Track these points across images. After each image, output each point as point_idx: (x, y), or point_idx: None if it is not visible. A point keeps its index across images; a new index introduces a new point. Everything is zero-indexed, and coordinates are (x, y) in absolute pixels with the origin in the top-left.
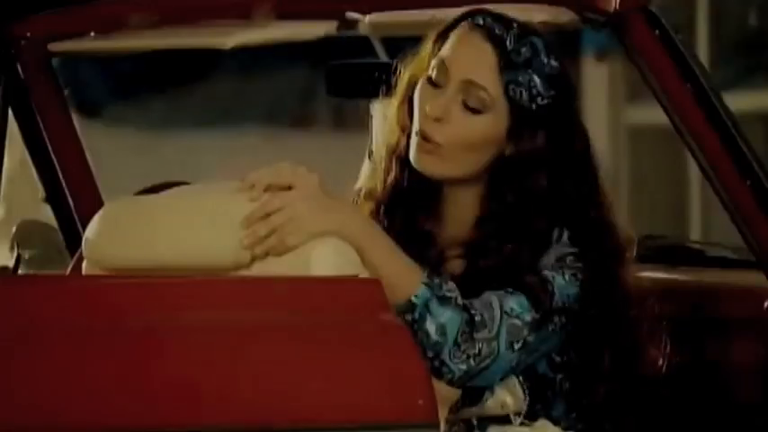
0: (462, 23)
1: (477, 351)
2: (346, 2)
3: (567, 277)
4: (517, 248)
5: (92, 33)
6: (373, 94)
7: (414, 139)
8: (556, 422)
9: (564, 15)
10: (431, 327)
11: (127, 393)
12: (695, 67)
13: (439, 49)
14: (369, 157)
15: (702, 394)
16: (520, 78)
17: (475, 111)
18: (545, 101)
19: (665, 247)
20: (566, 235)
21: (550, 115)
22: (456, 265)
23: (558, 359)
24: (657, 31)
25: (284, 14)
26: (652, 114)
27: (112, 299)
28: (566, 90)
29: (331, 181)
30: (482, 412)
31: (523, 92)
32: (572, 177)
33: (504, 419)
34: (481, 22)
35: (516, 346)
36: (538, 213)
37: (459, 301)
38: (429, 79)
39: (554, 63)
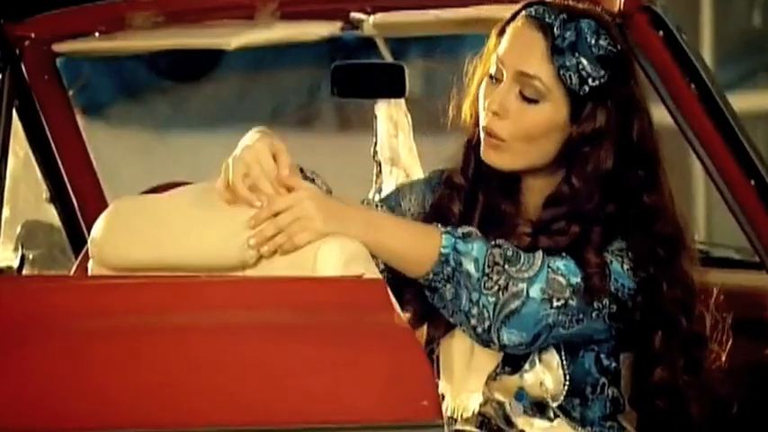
0: (518, 16)
1: (504, 284)
2: (350, 2)
3: (625, 267)
4: (583, 231)
5: (96, 33)
6: (378, 95)
7: (481, 136)
8: (588, 424)
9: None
10: (469, 265)
11: (129, 393)
12: (699, 68)
13: (498, 45)
14: (373, 158)
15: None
16: (568, 63)
17: (531, 101)
18: (596, 82)
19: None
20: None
21: (606, 95)
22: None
23: (606, 362)
24: (661, 32)
25: (288, 15)
26: (656, 115)
27: (116, 299)
28: (620, 69)
29: (335, 181)
30: (520, 383)
31: (573, 75)
32: (632, 160)
33: (538, 406)
34: (533, 12)
35: (555, 303)
36: (605, 197)
37: (479, 233)
38: (490, 76)
39: (603, 43)
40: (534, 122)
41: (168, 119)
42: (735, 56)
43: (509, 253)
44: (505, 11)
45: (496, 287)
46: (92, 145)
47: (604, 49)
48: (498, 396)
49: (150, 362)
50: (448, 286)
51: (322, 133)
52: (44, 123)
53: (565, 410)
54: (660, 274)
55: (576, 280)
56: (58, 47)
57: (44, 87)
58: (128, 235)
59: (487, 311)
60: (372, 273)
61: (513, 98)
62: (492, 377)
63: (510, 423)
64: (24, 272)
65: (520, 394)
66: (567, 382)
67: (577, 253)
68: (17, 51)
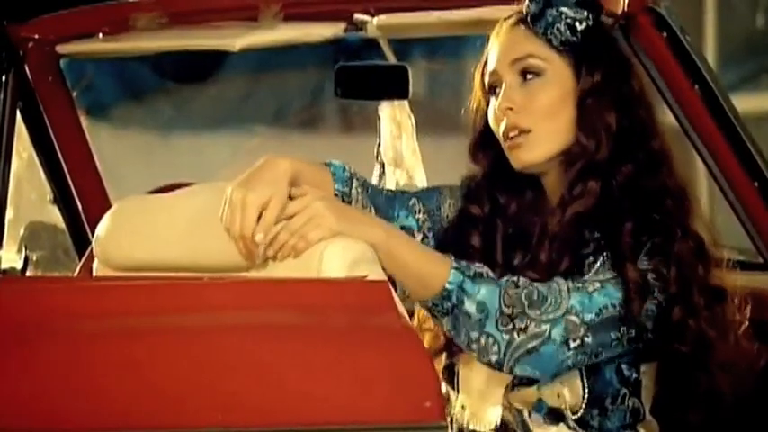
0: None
1: (523, 326)
2: (354, 3)
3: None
4: (606, 204)
5: (99, 35)
6: (381, 96)
7: (505, 149)
8: None
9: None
10: (470, 307)
11: (133, 394)
12: (702, 69)
13: (482, 75)
14: (377, 159)
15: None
16: (550, 19)
17: (535, 77)
18: (584, 24)
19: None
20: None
21: (599, 37)
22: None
23: (627, 372)
24: (665, 33)
25: (292, 16)
26: (659, 116)
27: (119, 300)
28: (596, 6)
29: None
30: (538, 394)
31: (560, 27)
32: (634, 109)
33: (556, 416)
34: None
35: (572, 344)
36: (614, 149)
37: (491, 274)
38: (491, 91)
39: None
40: (547, 96)
41: (172, 120)
42: (738, 57)
43: (534, 296)
44: (508, 12)
45: (511, 325)
46: (95, 146)
47: None
48: (517, 404)
49: (155, 363)
50: (445, 319)
51: (325, 134)
52: (48, 124)
53: (583, 421)
54: (672, 226)
55: (591, 316)
56: (62, 48)
57: (48, 88)
58: (132, 235)
59: (498, 346)
60: (377, 274)
61: (517, 88)
62: (510, 388)
63: (527, 430)
64: (28, 273)
65: (539, 405)
66: (587, 394)
67: (616, 265)
68: (21, 52)
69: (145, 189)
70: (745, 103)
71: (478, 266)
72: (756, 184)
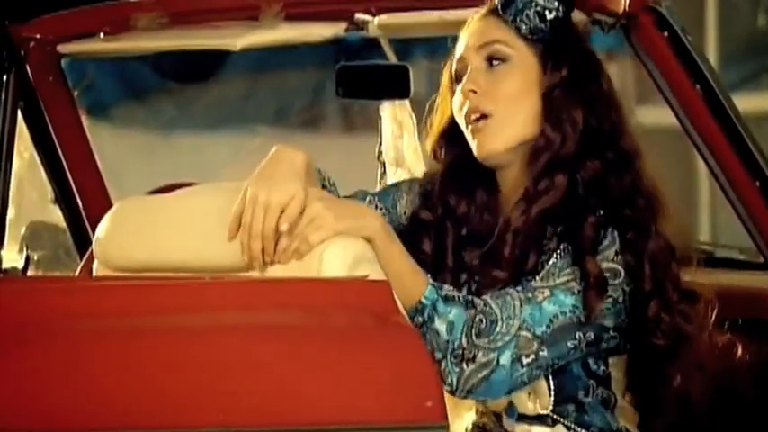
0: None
1: (471, 356)
2: (355, 3)
3: (618, 283)
4: (571, 199)
5: (101, 34)
6: (382, 96)
7: (467, 134)
8: (587, 425)
9: (573, 17)
10: (441, 326)
11: (135, 394)
12: (704, 69)
13: (450, 69)
14: (378, 158)
15: (706, 395)
16: (520, 5)
17: (501, 62)
18: (553, 13)
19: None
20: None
21: (568, 32)
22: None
23: (593, 366)
24: (666, 33)
25: (293, 16)
26: (661, 116)
27: (120, 300)
28: (569, 1)
29: (340, 182)
30: (508, 399)
31: (529, 13)
32: (602, 108)
33: (531, 418)
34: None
35: (525, 360)
36: (581, 146)
37: (462, 298)
38: (457, 79)
39: None
40: (511, 83)
41: (173, 120)
42: (739, 57)
43: (482, 324)
44: None
45: (460, 357)
46: (96, 146)
47: None
48: (492, 408)
49: (155, 363)
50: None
51: (327, 134)
52: (49, 124)
53: (562, 416)
54: (645, 223)
55: (542, 329)
56: (63, 48)
57: (49, 88)
58: (132, 236)
59: (451, 377)
60: (377, 274)
61: (483, 72)
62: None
63: None
64: (29, 273)
65: (511, 410)
66: (554, 394)
67: (577, 259)
68: (22, 52)
69: (146, 189)
70: (746, 102)
71: (450, 290)
72: (757, 183)
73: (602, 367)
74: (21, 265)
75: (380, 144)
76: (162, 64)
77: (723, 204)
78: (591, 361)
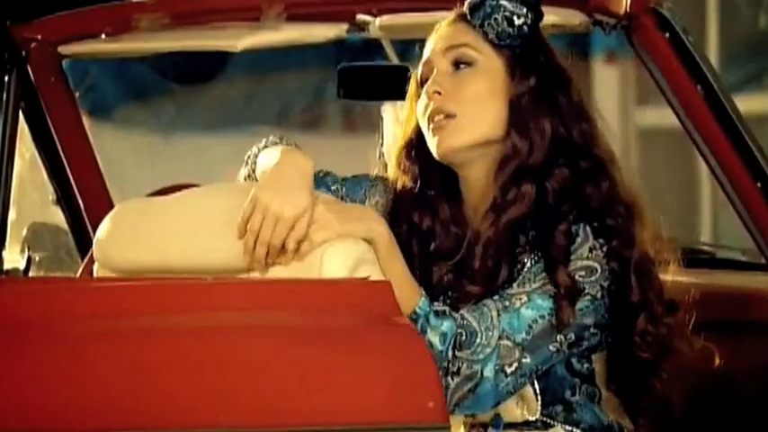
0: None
1: (455, 369)
2: (356, 4)
3: (595, 292)
4: (542, 207)
5: (102, 35)
6: (384, 97)
7: (428, 135)
8: (577, 423)
9: (575, 18)
10: (434, 337)
11: (136, 395)
12: (705, 69)
13: (417, 80)
14: (379, 159)
15: (708, 396)
16: (488, 10)
17: (466, 64)
18: (522, 19)
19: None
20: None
21: (536, 42)
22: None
23: (577, 366)
24: (668, 34)
25: (294, 17)
26: (662, 116)
27: (122, 301)
28: (538, 10)
29: None
30: (494, 410)
31: (498, 18)
32: (572, 117)
33: (518, 426)
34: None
35: (509, 370)
36: (551, 155)
37: (449, 312)
38: (421, 83)
39: None
40: (476, 86)
41: (174, 121)
42: (740, 58)
43: (462, 336)
44: None
45: (446, 370)
46: (98, 147)
47: None
48: (480, 420)
49: (155, 363)
50: None
51: (328, 135)
52: (50, 125)
53: (551, 418)
54: (628, 231)
55: (522, 336)
56: (65, 49)
57: (50, 89)
58: (132, 237)
59: None
60: (378, 276)
61: (448, 75)
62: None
63: None
64: (31, 274)
65: (496, 421)
66: (540, 396)
67: (548, 269)
68: (23, 53)
69: (147, 190)
70: (747, 103)
71: (440, 306)
72: (759, 184)
73: (586, 365)
74: (22, 266)
75: (382, 145)
76: (163, 65)
77: (724, 205)
78: (574, 360)
